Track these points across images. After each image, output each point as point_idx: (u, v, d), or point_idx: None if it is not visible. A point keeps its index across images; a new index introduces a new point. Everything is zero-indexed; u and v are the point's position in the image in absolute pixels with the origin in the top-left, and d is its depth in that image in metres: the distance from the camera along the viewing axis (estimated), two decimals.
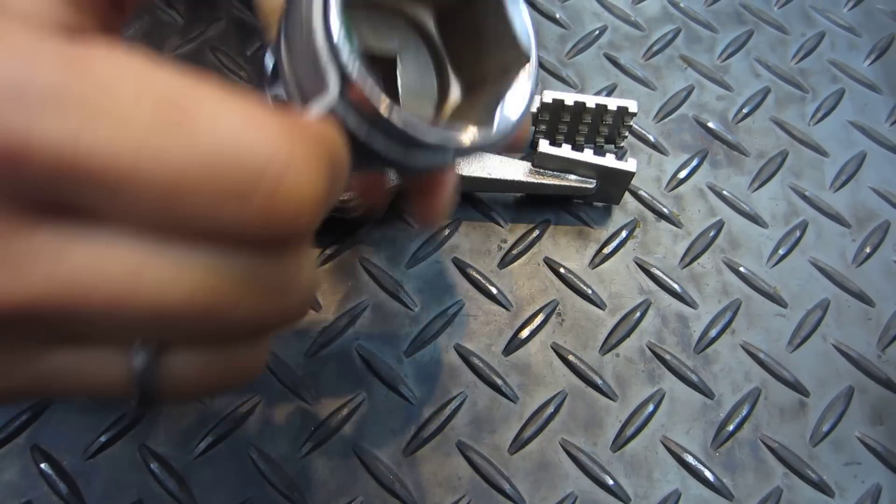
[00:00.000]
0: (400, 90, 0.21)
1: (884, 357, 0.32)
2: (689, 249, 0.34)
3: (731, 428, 0.30)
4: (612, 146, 0.35)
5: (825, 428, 0.31)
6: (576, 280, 0.33)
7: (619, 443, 0.30)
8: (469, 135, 0.17)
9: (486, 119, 0.18)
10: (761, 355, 0.32)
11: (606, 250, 0.34)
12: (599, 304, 0.32)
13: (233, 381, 0.17)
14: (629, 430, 0.30)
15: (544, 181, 0.32)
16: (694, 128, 0.37)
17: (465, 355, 0.31)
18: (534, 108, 0.33)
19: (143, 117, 0.12)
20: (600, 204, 0.35)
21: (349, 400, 0.30)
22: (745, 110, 0.38)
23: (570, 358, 0.31)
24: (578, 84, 0.38)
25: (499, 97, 0.19)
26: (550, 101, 0.32)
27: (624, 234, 0.34)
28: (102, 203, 0.12)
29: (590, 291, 0.33)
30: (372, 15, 0.21)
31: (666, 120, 0.37)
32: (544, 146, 0.31)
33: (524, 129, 0.20)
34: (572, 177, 0.32)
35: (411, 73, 0.21)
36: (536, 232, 0.34)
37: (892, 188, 0.36)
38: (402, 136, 0.16)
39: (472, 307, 0.32)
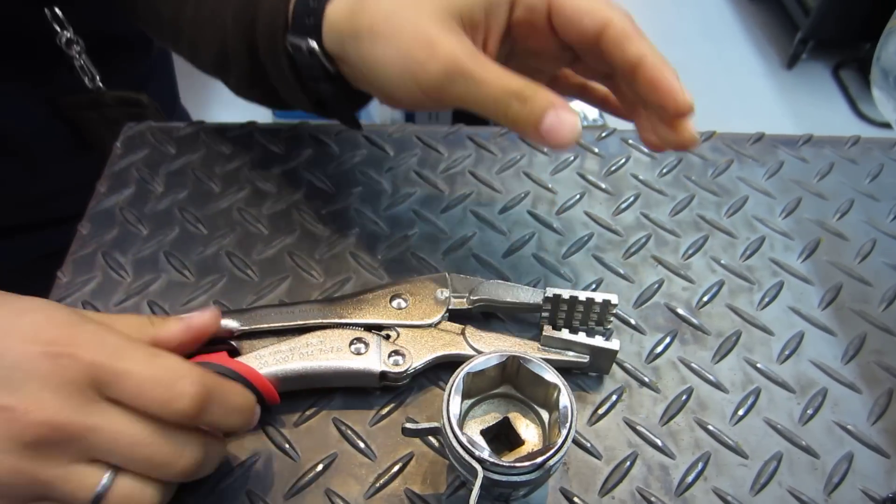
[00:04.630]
0: (518, 429, 0.38)
1: (830, 501, 0.40)
2: (666, 410, 0.43)
3: None
4: (602, 328, 0.45)
5: None
6: (578, 435, 0.41)
7: None
8: (541, 456, 0.33)
9: (560, 431, 0.34)
10: (729, 498, 0.39)
11: (601, 411, 0.42)
12: (597, 455, 0.41)
13: None
14: None
15: (549, 357, 0.42)
16: (665, 313, 0.47)
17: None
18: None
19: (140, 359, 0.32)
20: (594, 374, 0.44)
21: None
22: (705, 298, 0.48)
23: (576, 500, 0.39)
24: (573, 279, 0.49)
25: (556, 409, 0.35)
26: (552, 295, 0.43)
27: (614, 398, 0.43)
28: (127, 396, 0.31)
29: (589, 445, 0.41)
30: (484, 402, 0.39)
31: (643, 306, 0.48)
32: (548, 330, 0.41)
33: None
34: (570, 353, 0.42)
35: (519, 416, 0.38)
36: None
37: (826, 361, 0.45)
38: (510, 472, 0.33)
39: None
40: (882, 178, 0.57)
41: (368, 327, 0.42)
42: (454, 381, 0.35)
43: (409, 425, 0.36)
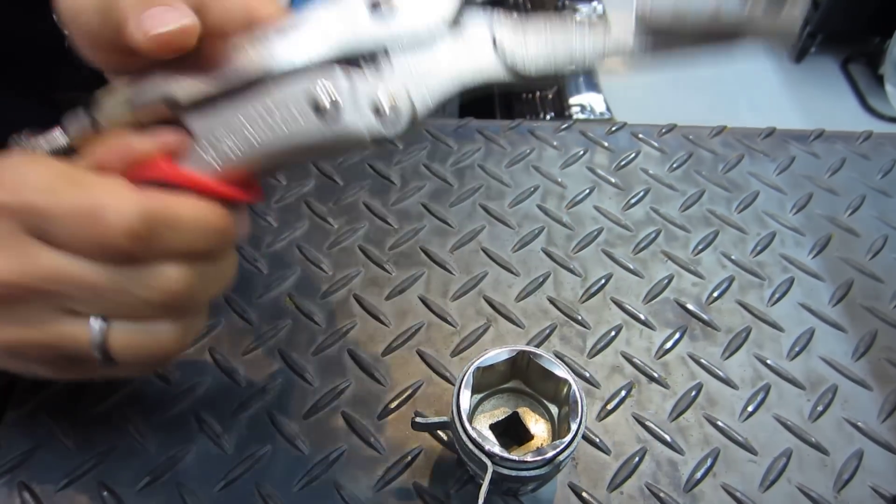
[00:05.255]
0: (528, 424, 0.37)
1: (839, 498, 0.40)
2: (675, 406, 0.43)
3: None
4: None
5: None
6: (586, 430, 0.41)
7: None
8: (551, 450, 0.33)
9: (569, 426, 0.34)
10: (738, 494, 0.39)
11: (610, 406, 0.42)
12: (605, 451, 0.41)
13: (157, 352, 0.30)
14: None
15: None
16: (675, 308, 0.47)
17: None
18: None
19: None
20: (603, 369, 0.44)
21: None
22: (715, 294, 0.48)
23: (584, 495, 0.39)
24: (583, 273, 0.48)
25: (566, 404, 0.35)
26: None
27: (623, 393, 0.43)
28: (58, 238, 0.27)
29: (598, 440, 0.41)
30: (493, 396, 0.38)
31: (653, 302, 0.47)
32: None
33: None
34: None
35: (528, 411, 0.38)
36: None
37: (837, 357, 0.45)
38: (519, 467, 0.33)
39: None
40: (894, 173, 0.57)
41: (343, 61, 0.27)
42: (464, 376, 0.35)
43: (418, 419, 0.36)
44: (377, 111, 0.26)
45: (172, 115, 0.29)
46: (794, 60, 2.49)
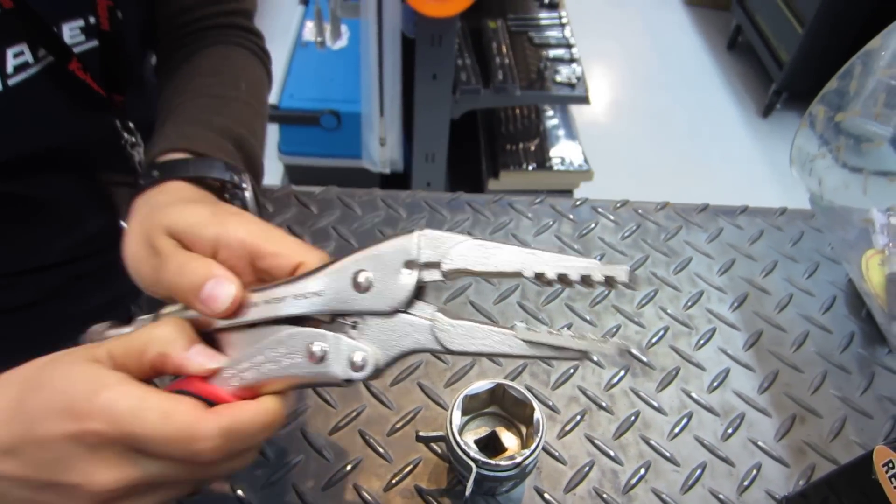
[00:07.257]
0: (503, 439, 0.48)
1: (741, 499, 0.52)
2: (618, 428, 0.55)
3: None
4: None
5: None
6: (548, 446, 0.53)
7: None
8: (519, 457, 0.44)
9: (534, 440, 0.46)
10: (664, 496, 0.51)
11: (567, 428, 0.54)
12: (563, 462, 0.53)
13: (240, 471, 0.38)
14: None
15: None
16: (621, 352, 0.60)
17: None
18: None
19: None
20: (563, 398, 0.56)
21: None
22: (653, 340, 0.61)
23: (546, 495, 0.51)
24: (549, 322, 0.61)
25: (531, 424, 0.47)
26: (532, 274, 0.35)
27: (578, 417, 0.55)
28: (155, 454, 0.34)
29: (557, 454, 0.53)
30: (477, 418, 0.50)
31: None
32: (521, 331, 0.35)
33: None
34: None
35: (503, 429, 0.49)
36: None
37: (746, 391, 0.58)
38: (495, 469, 0.45)
39: None
40: (801, 243, 0.70)
41: (332, 316, 0.37)
42: (455, 402, 0.47)
43: (422, 433, 0.48)
44: (352, 364, 0.36)
45: (207, 325, 0.39)
46: (762, 116, 2.68)
